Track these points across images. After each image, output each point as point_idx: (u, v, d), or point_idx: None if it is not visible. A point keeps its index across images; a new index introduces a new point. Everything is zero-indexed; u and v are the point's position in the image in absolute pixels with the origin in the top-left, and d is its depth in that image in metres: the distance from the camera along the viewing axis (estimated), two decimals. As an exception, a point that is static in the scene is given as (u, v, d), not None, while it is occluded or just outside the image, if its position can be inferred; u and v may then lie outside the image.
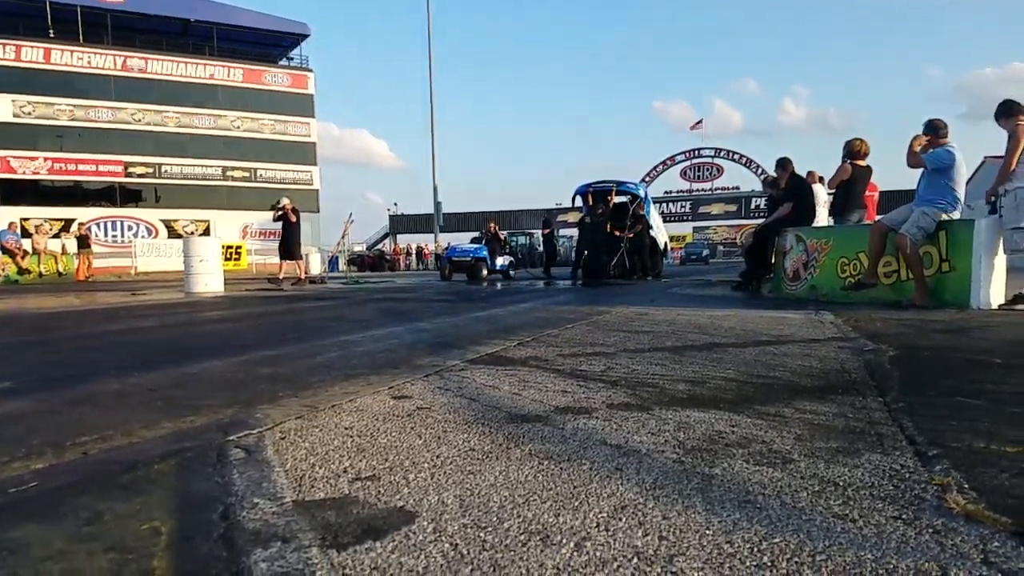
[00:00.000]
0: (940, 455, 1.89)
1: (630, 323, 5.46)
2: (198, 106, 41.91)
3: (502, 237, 18.57)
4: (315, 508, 1.52)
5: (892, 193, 30.34)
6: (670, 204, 64.38)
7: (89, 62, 38.38)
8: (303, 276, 14.85)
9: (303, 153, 46.05)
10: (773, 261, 9.31)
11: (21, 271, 17.25)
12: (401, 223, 62.95)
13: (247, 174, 43.48)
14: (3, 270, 16.73)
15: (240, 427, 2.25)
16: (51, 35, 37.32)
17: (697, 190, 65.33)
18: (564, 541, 1.34)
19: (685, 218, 65.55)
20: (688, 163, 65.69)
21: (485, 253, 17.04)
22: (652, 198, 17.97)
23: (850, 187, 8.17)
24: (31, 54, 36.86)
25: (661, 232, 17.71)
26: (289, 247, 14.40)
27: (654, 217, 16.72)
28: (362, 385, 2.99)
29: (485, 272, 16.74)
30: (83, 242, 19.21)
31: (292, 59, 47.48)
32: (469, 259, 16.95)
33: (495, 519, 1.45)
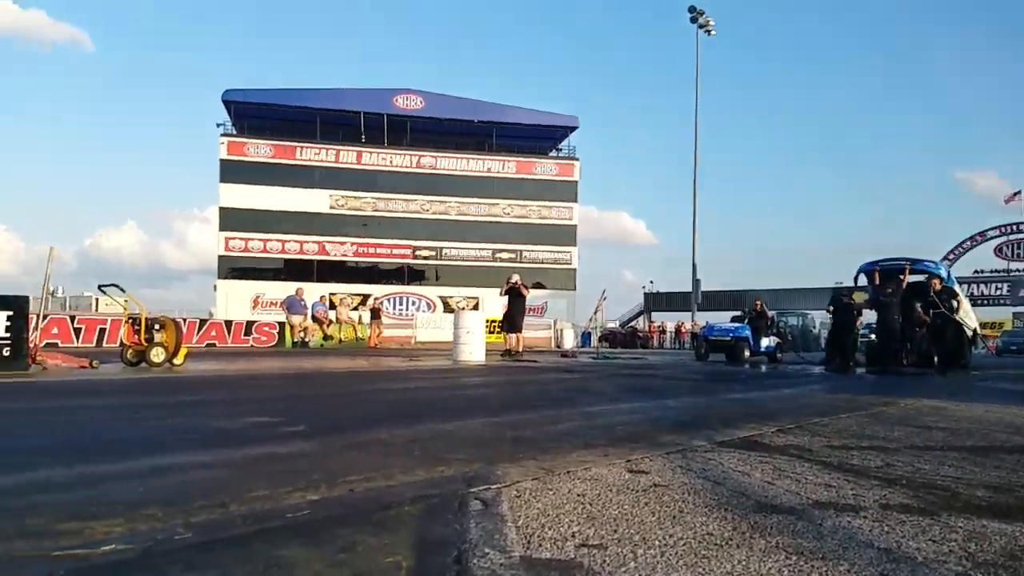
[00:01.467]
0: None
1: (920, 417, 4.74)
2: (475, 196, 46.54)
3: (768, 316, 16.99)
4: (540, 567, 1.51)
5: None
6: (981, 285, 55.67)
7: (390, 161, 45.05)
8: (521, 350, 15.10)
9: (564, 235, 48.39)
10: None
11: (326, 337, 20.29)
12: (655, 301, 62.52)
13: (513, 255, 46.69)
14: (312, 336, 19.73)
15: (481, 481, 2.35)
16: (362, 140, 44.65)
17: (1016, 270, 55.75)
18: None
19: (1001, 302, 55.88)
20: (1004, 239, 56.44)
21: (747, 333, 15.80)
22: (958, 278, 15.40)
23: None
24: (346, 156, 44.33)
25: (968, 316, 15.09)
26: (515, 320, 14.75)
27: (961, 301, 14.34)
28: (599, 455, 2.95)
29: (747, 354, 15.54)
30: (375, 314, 22.12)
31: (561, 149, 50.78)
32: (729, 339, 15.85)
33: (726, 610, 1.31)
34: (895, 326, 12.18)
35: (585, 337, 32.53)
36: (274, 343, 20.04)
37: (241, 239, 41.73)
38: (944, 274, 13.93)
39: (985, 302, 54.13)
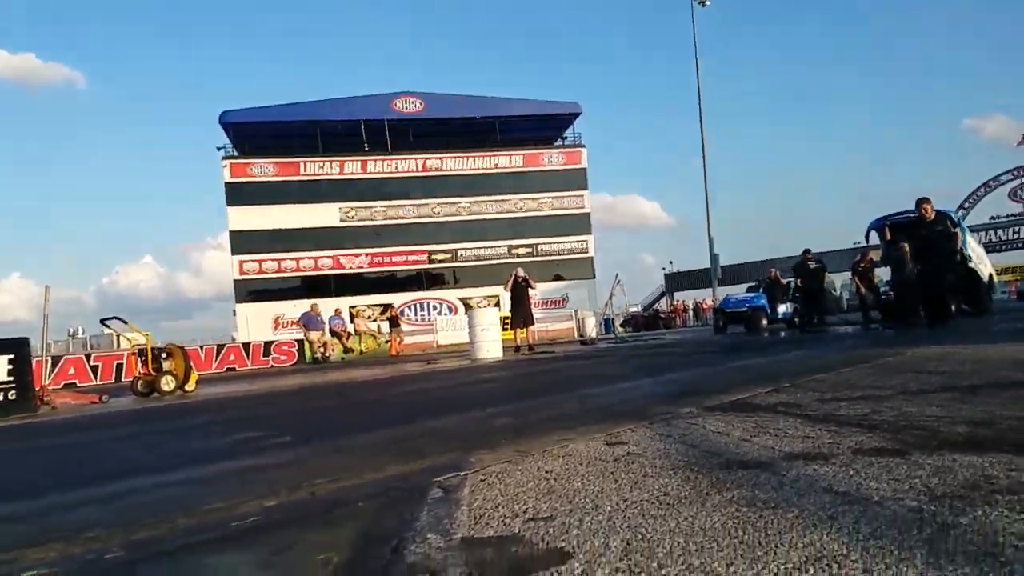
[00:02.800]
0: None
1: (924, 364, 4.65)
2: (486, 194, 46.37)
3: (784, 283, 16.83)
4: (478, 545, 1.50)
5: None
6: (999, 231, 54.53)
7: (396, 167, 44.96)
8: (533, 342, 14.97)
9: (579, 224, 48.10)
10: None
11: (347, 350, 20.43)
12: (676, 281, 62.06)
13: (529, 250, 46.52)
14: (332, 350, 19.87)
15: (451, 470, 2.34)
16: (366, 148, 44.67)
17: (1033, 213, 54.51)
18: (724, 593, 1.14)
19: (1020, 245, 54.83)
20: (1018, 182, 55.23)
21: (763, 301, 15.75)
22: (973, 226, 15.20)
23: None
24: (351, 167, 44.19)
25: (983, 263, 14.88)
26: (526, 314, 14.68)
27: (972, 247, 14.15)
28: (581, 433, 2.92)
29: (765, 322, 15.45)
30: (394, 323, 22.25)
31: (566, 138, 50.43)
32: (745, 309, 15.78)
33: (654, 565, 1.29)
34: (911, 278, 11.96)
35: (607, 324, 32.40)
36: (294, 361, 20.23)
37: (255, 261, 41.94)
38: (954, 219, 13.68)
39: (1005, 247, 52.99)
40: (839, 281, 32.62)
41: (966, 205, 55.00)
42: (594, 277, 46.70)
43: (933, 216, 9.54)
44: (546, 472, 2.21)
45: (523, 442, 2.83)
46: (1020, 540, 1.26)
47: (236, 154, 43.40)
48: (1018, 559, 1.17)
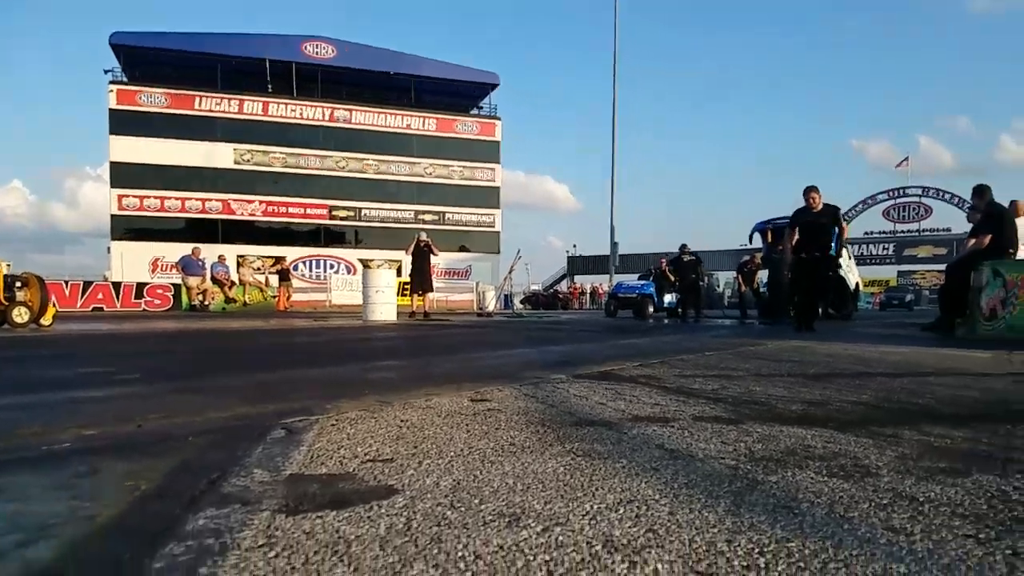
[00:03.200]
0: (1083, 483, 1.48)
1: (781, 353, 4.98)
2: (395, 154, 45.41)
3: (672, 275, 17.73)
4: (305, 481, 1.49)
5: None
6: (870, 246, 58.97)
7: (301, 114, 43.15)
8: (429, 310, 14.94)
9: (488, 197, 48.09)
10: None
11: (228, 300, 19.42)
12: (579, 264, 63.53)
13: (436, 217, 46.10)
14: (212, 299, 18.87)
15: (302, 414, 2.30)
16: (269, 90, 42.57)
17: (902, 232, 59.28)
18: (533, 524, 1.19)
19: (888, 261, 59.55)
20: (892, 202, 59.80)
21: (651, 290, 16.51)
22: (849, 239, 16.44)
23: None
24: (251, 107, 42.04)
25: (851, 272, 16.15)
26: (424, 280, 14.49)
27: (843, 256, 15.36)
28: (450, 390, 2.95)
29: (651, 309, 16.18)
30: (284, 276, 21.35)
31: (482, 108, 50.07)
32: (635, 295, 16.53)
33: (476, 502, 1.33)
34: (785, 281, 12.80)
35: (507, 299, 32.71)
36: (169, 306, 19.23)
37: (136, 197, 39.22)
38: (839, 216, 14.75)
39: (874, 261, 57.51)
40: (723, 278, 34.33)
41: (845, 218, 58.73)
42: (499, 252, 46.96)
43: (820, 207, 8.93)
44: (402, 421, 2.22)
45: (390, 395, 2.82)
46: (817, 498, 1.38)
47: (125, 80, 40.34)
48: (810, 512, 1.28)
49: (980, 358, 4.66)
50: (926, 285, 56.82)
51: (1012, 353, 4.94)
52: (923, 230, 58.40)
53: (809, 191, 8.98)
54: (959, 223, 55.83)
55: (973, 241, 8.18)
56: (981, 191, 8.31)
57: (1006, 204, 8.48)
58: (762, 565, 1.02)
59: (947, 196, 57.68)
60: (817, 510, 1.29)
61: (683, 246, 15.41)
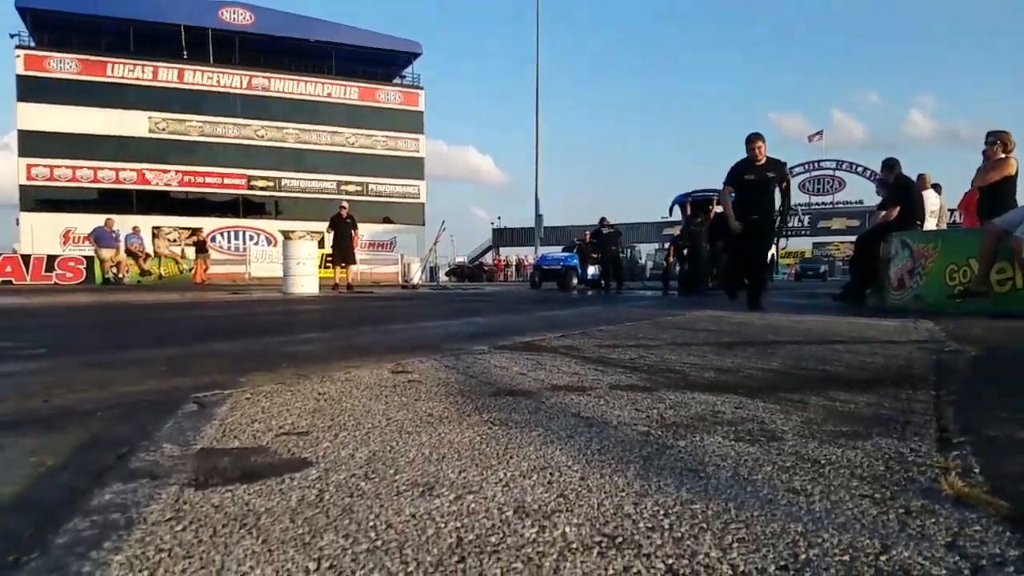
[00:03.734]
0: (966, 443, 1.58)
1: (696, 323, 5.12)
2: (316, 123, 44.09)
3: (592, 248, 18.08)
4: (216, 455, 1.43)
5: None
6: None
7: (218, 81, 41.29)
8: (351, 282, 14.77)
9: (412, 168, 47.38)
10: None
11: (143, 272, 18.71)
12: (504, 236, 63.61)
13: (359, 188, 45.12)
14: (127, 272, 18.07)
15: (216, 388, 2.21)
16: (185, 56, 40.54)
17: (817, 204, 61.78)
18: (446, 493, 1.18)
19: (803, 233, 61.89)
20: (807, 175, 62.03)
21: (575, 262, 16.76)
22: None
23: (1006, 186, 6.72)
24: (166, 74, 40.08)
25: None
26: (346, 252, 14.32)
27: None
28: (370, 363, 2.90)
29: (575, 281, 16.45)
30: (201, 247, 20.64)
31: (405, 77, 49.06)
32: (559, 267, 16.77)
33: (391, 472, 1.31)
34: (703, 253, 13.22)
35: (432, 272, 32.48)
36: (81, 280, 18.27)
37: (46, 166, 37.01)
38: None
39: (789, 233, 59.74)
40: (645, 251, 35.12)
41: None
42: (424, 224, 46.44)
43: (764, 160, 7.01)
44: (319, 394, 2.16)
45: (308, 368, 2.75)
46: (723, 461, 1.42)
47: (33, 44, 37.71)
48: (715, 475, 1.31)
49: (888, 326, 4.92)
50: (839, 256, 59.45)
51: (918, 321, 5.25)
52: (837, 202, 60.91)
53: (753, 139, 6.95)
54: (870, 196, 58.50)
55: (883, 213, 8.58)
56: (890, 164, 8.72)
57: (914, 178, 8.95)
58: (666, 526, 1.03)
59: (859, 169, 60.17)
60: (722, 473, 1.32)
61: (603, 219, 15.72)
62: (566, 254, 17.86)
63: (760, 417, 1.86)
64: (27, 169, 37.01)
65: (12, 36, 37.85)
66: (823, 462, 1.41)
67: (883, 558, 0.94)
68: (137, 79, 39.21)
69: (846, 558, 0.94)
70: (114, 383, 2.33)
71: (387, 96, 46.79)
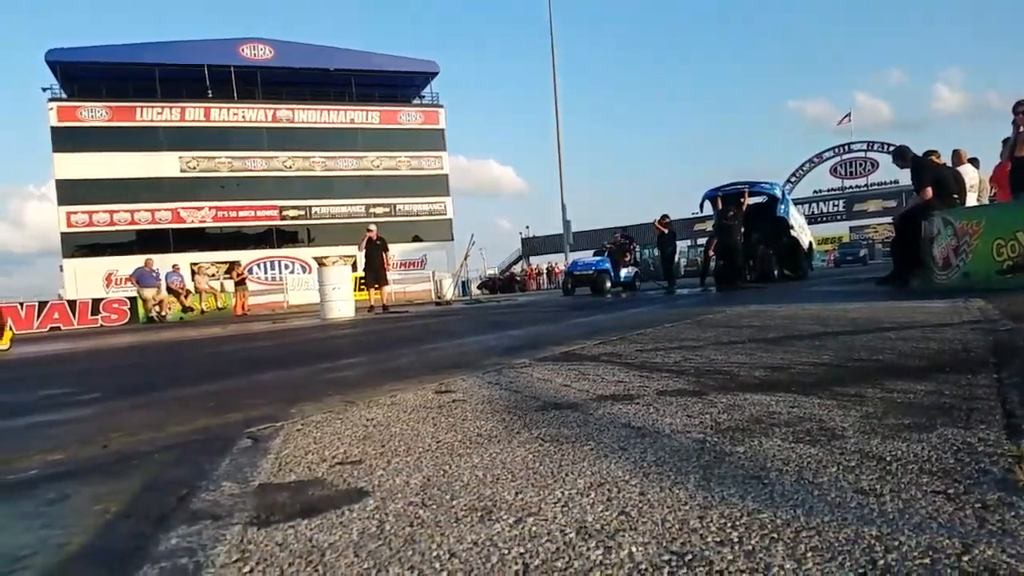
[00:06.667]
0: (1038, 427, 1.51)
1: (739, 320, 5.03)
2: (341, 149, 44.66)
3: (627, 249, 17.93)
4: (275, 490, 1.44)
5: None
6: (820, 204, 59.92)
7: (243, 116, 42.10)
8: (385, 303, 14.72)
9: (437, 185, 47.67)
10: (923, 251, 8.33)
11: (185, 309, 19.10)
12: (533, 245, 63.45)
13: (387, 209, 45.53)
14: (169, 309, 18.51)
15: (266, 421, 2.23)
16: (210, 95, 41.46)
17: (851, 187, 60.28)
18: (505, 517, 1.17)
19: (839, 217, 60.25)
20: (838, 159, 60.56)
21: (607, 265, 16.62)
22: (799, 198, 17.13)
23: None
24: (193, 114, 40.88)
25: (803, 232, 16.58)
26: (378, 273, 14.17)
27: (794, 217, 15.77)
28: (413, 384, 2.90)
29: (608, 284, 16.30)
30: (240, 282, 21.00)
31: (424, 96, 49.45)
32: (591, 272, 16.61)
33: (448, 498, 1.30)
34: (738, 247, 13.05)
35: (464, 286, 32.59)
36: (126, 320, 18.73)
37: (84, 212, 38.03)
38: (779, 194, 15.13)
39: (825, 219, 58.37)
40: (677, 248, 34.73)
41: (792, 179, 59.78)
42: (452, 239, 46.63)
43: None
44: (367, 420, 2.17)
45: (353, 394, 2.77)
46: (785, 465, 1.38)
47: (64, 96, 38.92)
48: (779, 481, 1.28)
49: (937, 309, 4.77)
50: (878, 239, 57.85)
51: (968, 301, 5.09)
52: (871, 184, 59.45)
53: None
54: (905, 175, 57.07)
55: (916, 196, 8.39)
56: (901, 153, 8.54)
57: (948, 156, 8.74)
58: (735, 539, 1.00)
59: (891, 148, 58.67)
60: (786, 478, 1.29)
61: (664, 216, 15.77)
62: (597, 259, 17.75)
63: (818, 415, 1.81)
64: (67, 217, 38.08)
65: (44, 90, 39.03)
66: (889, 459, 1.36)
67: (965, 558, 0.90)
68: (166, 121, 40.18)
69: (927, 561, 0.90)
70: (168, 423, 2.36)
71: (408, 117, 47.25)
